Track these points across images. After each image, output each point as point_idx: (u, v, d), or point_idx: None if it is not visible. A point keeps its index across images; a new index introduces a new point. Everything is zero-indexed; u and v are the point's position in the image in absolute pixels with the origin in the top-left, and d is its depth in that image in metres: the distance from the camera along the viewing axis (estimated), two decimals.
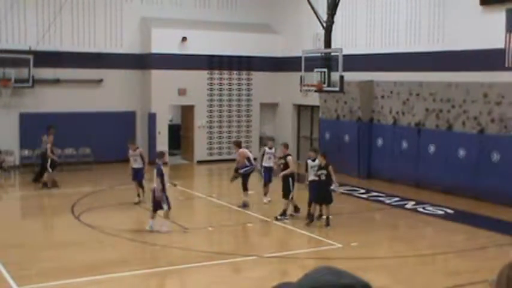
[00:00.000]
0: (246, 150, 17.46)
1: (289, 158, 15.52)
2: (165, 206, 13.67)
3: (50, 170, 18.96)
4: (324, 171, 14.50)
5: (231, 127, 25.46)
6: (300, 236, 14.10)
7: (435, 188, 18.55)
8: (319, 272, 1.57)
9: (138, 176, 16.94)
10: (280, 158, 15.95)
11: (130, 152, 17.16)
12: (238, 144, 17.61)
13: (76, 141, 22.88)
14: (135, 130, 24.66)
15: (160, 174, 13.67)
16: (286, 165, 15.37)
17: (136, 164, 17.01)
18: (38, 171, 19.92)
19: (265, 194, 16.99)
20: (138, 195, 16.93)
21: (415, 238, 14.01)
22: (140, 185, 16.98)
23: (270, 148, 17.11)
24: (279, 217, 15.11)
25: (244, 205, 16.42)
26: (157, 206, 13.75)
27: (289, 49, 24.94)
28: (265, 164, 16.84)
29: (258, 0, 26.30)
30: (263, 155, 17.07)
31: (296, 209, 15.53)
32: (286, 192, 15.26)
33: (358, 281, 1.56)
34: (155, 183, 13.73)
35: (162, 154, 14.78)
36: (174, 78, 23.97)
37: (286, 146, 16.19)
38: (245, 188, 16.62)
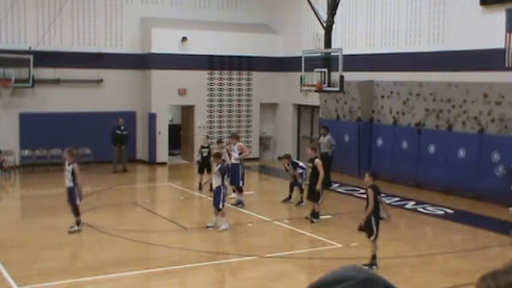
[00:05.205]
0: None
1: (316, 161, 14.88)
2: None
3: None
4: (310, 165, 14.90)
5: (231, 127, 25.42)
6: (300, 236, 14.10)
7: (435, 188, 18.54)
8: (340, 269, 1.48)
9: (70, 197, 13.64)
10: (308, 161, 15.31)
11: (66, 165, 13.71)
12: (237, 137, 17.63)
13: (76, 141, 22.83)
14: (135, 130, 24.66)
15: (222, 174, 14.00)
16: (314, 169, 14.77)
17: (67, 181, 13.57)
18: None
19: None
20: (77, 222, 13.68)
21: (415, 238, 14.01)
22: (75, 210, 13.60)
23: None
24: (309, 217, 14.97)
25: (238, 203, 16.42)
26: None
27: (289, 49, 24.94)
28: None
29: (258, 0, 26.29)
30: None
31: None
32: (316, 196, 14.85)
33: (363, 275, 1.45)
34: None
35: (218, 155, 14.57)
36: (174, 78, 23.96)
37: (313, 148, 15.45)
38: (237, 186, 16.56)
